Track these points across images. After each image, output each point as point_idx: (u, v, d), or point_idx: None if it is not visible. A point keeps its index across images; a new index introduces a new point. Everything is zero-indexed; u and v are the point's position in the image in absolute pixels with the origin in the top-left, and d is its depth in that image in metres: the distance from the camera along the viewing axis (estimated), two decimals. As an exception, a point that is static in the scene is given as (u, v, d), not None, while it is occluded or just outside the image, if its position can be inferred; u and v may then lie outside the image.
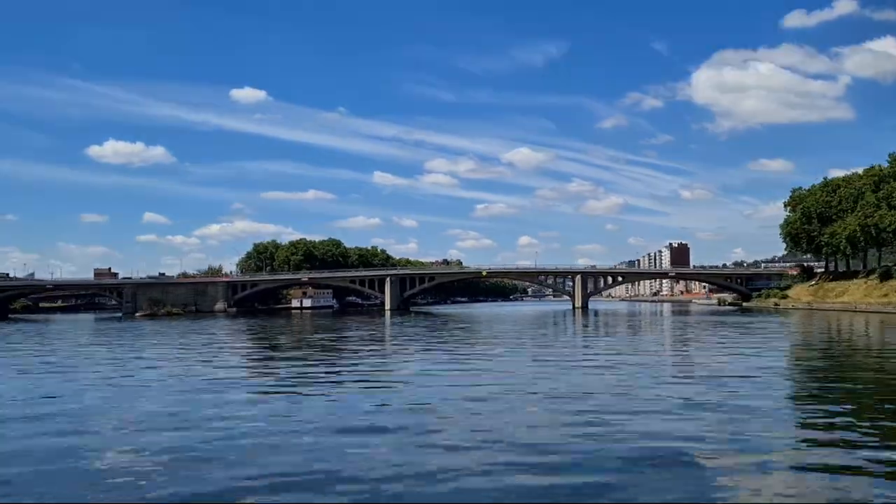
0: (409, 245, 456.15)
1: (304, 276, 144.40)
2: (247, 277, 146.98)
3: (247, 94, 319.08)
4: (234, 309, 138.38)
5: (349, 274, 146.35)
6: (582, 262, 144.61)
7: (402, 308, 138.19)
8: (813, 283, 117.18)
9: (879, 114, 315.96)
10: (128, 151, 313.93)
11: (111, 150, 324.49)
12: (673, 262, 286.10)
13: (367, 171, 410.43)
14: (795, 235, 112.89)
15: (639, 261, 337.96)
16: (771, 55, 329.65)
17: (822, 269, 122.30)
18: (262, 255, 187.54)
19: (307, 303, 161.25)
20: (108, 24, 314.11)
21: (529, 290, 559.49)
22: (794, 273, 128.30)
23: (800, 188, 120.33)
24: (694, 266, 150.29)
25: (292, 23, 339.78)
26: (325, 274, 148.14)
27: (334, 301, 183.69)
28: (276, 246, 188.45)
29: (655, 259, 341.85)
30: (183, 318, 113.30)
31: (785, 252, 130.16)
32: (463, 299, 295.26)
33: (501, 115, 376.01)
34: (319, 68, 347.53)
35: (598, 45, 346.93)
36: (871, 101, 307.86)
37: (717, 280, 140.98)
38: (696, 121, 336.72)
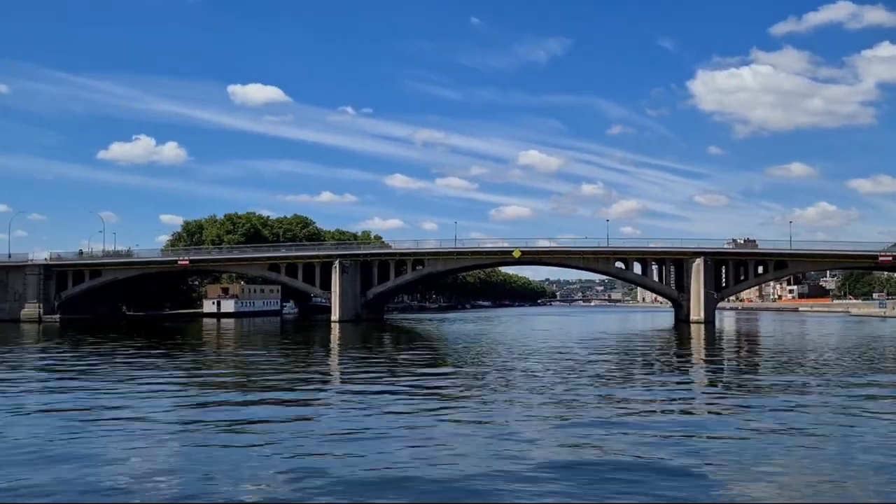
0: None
1: (181, 257, 75.11)
2: (78, 261, 77.61)
3: (254, 92, 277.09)
4: (58, 315, 70.50)
5: (260, 255, 76.78)
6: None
7: (365, 317, 69.73)
8: None
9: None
10: (140, 149, 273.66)
11: (123, 148, 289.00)
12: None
13: (380, 172, 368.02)
14: None
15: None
16: (776, 59, 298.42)
17: None
18: (195, 237, 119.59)
19: (228, 306, 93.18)
20: (113, 21, 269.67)
21: (558, 293, 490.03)
22: None
23: None
24: None
25: (293, 20, 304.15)
26: (217, 255, 79.20)
27: (289, 304, 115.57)
28: (214, 222, 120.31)
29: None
30: None
31: None
32: (486, 303, 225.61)
33: (509, 115, 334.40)
34: (322, 66, 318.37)
35: (601, 43, 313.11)
36: (892, 105, 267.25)
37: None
38: (709, 124, 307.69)
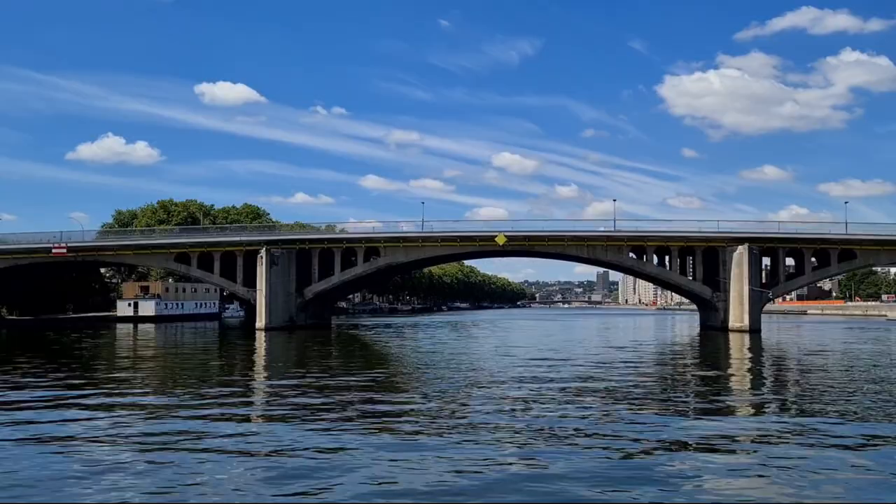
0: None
1: (55, 244, 55.84)
2: None
3: (225, 91, 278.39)
4: None
5: (161, 241, 58.14)
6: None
7: (302, 323, 52.05)
8: None
9: (870, 122, 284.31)
10: (108, 149, 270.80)
11: (91, 148, 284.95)
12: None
13: (354, 173, 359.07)
14: None
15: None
16: (743, 63, 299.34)
17: None
18: (128, 228, 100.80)
19: (147, 308, 75.11)
20: (78, 19, 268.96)
21: (537, 295, 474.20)
22: None
23: None
24: None
25: (262, 18, 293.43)
26: (102, 242, 60.92)
27: (233, 306, 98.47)
28: (146, 210, 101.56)
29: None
30: None
31: None
32: (463, 305, 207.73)
33: (482, 115, 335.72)
34: (292, 64, 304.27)
35: (571, 43, 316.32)
36: (864, 109, 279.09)
37: None
38: (681, 127, 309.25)
